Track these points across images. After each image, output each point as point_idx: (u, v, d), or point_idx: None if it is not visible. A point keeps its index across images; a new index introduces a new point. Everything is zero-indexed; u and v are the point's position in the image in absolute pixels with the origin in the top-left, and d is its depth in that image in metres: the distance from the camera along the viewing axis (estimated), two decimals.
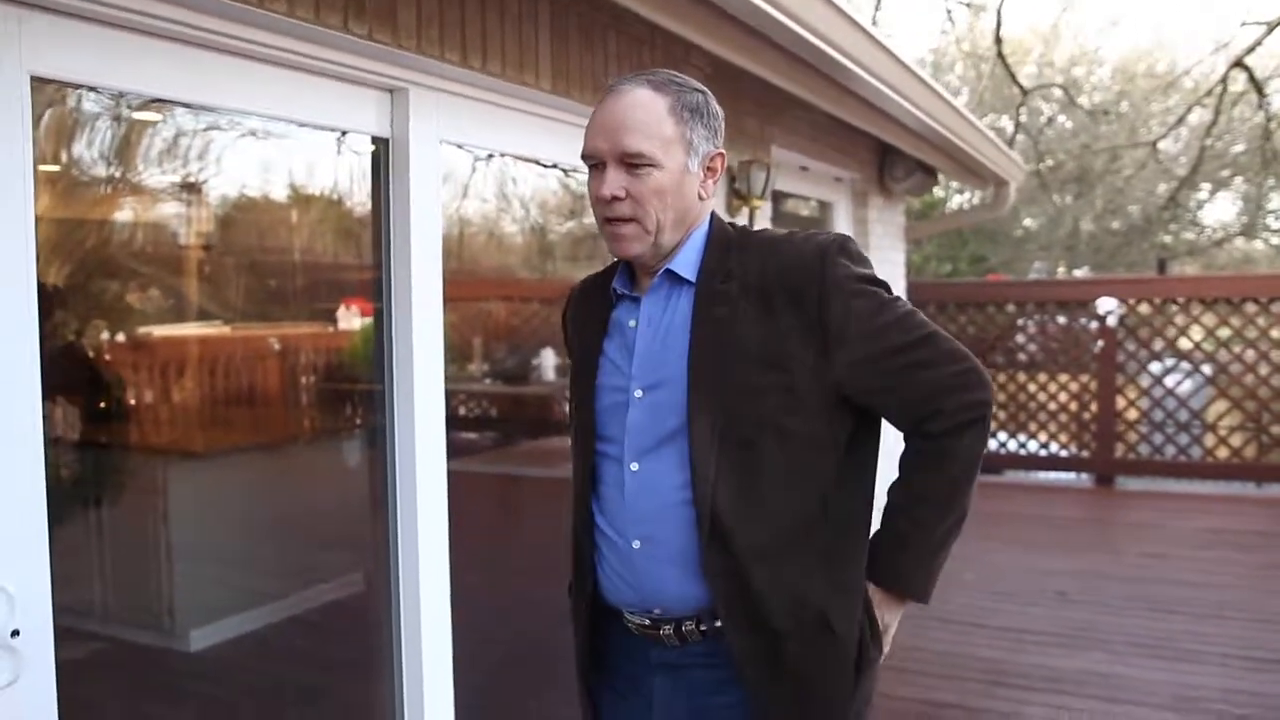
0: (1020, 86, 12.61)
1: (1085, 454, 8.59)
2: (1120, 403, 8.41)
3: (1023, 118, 14.78)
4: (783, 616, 1.63)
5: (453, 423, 3.15)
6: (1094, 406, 8.47)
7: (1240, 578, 5.76)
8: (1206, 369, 8.42)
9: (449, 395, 2.75)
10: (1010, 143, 12.74)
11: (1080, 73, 18.97)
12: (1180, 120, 13.52)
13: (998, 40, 11.32)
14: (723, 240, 1.73)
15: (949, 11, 12.55)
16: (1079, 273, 18.72)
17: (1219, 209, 21.75)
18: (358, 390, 2.72)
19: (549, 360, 3.60)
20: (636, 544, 1.69)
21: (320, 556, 3.32)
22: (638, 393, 1.71)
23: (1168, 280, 10.39)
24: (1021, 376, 8.81)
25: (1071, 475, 8.97)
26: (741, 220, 4.08)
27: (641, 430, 1.69)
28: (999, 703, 4.12)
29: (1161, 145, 14.56)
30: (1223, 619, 4.95)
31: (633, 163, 1.63)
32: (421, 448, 2.61)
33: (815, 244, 1.66)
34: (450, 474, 2.77)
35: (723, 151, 1.73)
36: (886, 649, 1.78)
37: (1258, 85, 11.68)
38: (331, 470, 3.36)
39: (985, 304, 8.85)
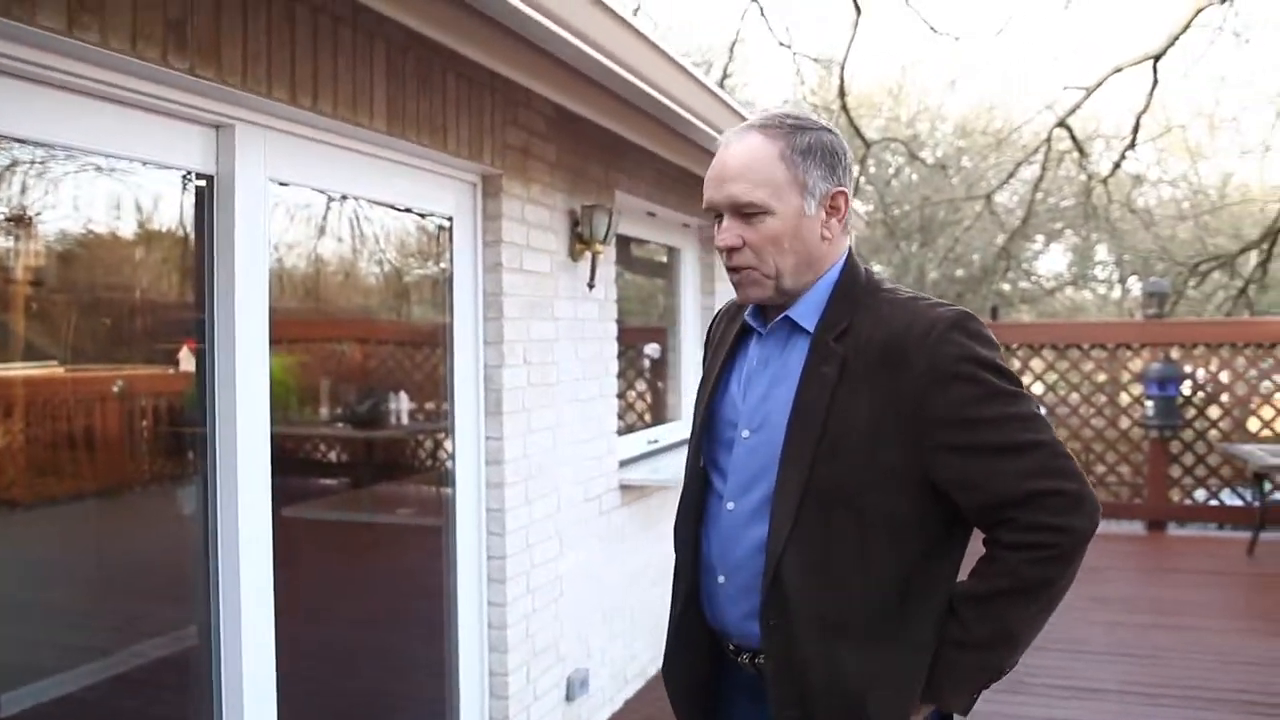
0: (864, 140, 13.12)
1: None
2: None
3: (871, 169, 15.36)
4: (819, 691, 1.61)
5: (297, 467, 3.05)
6: None
7: (1061, 609, 6.00)
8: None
9: (293, 439, 2.67)
10: (855, 192, 13.22)
11: (924, 128, 19.87)
12: (1011, 175, 14.26)
13: (842, 95, 11.77)
14: (849, 292, 1.69)
15: (798, 67, 12.98)
16: None
17: (1052, 260, 23.02)
18: (198, 434, 2.62)
19: (403, 404, 3.55)
20: (721, 579, 1.74)
21: (151, 609, 3.15)
22: (745, 433, 1.72)
23: (1000, 326, 10.87)
24: None
25: None
26: (584, 265, 4.12)
27: (741, 470, 1.71)
28: None
29: (997, 198, 15.31)
30: (1043, 650, 5.16)
31: (746, 211, 1.63)
32: (245, 493, 2.53)
33: (932, 316, 1.60)
34: (291, 521, 2.69)
35: (844, 190, 1.68)
36: None
37: (1079, 145, 12.45)
38: (167, 518, 3.21)
39: None
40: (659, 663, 4.96)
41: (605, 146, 4.30)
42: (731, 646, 1.78)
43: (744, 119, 4.14)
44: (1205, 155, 17.77)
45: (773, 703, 1.66)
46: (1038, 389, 8.63)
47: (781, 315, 1.71)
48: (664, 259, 5.96)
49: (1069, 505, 1.56)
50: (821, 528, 1.60)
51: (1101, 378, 8.63)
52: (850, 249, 1.76)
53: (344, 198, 3.05)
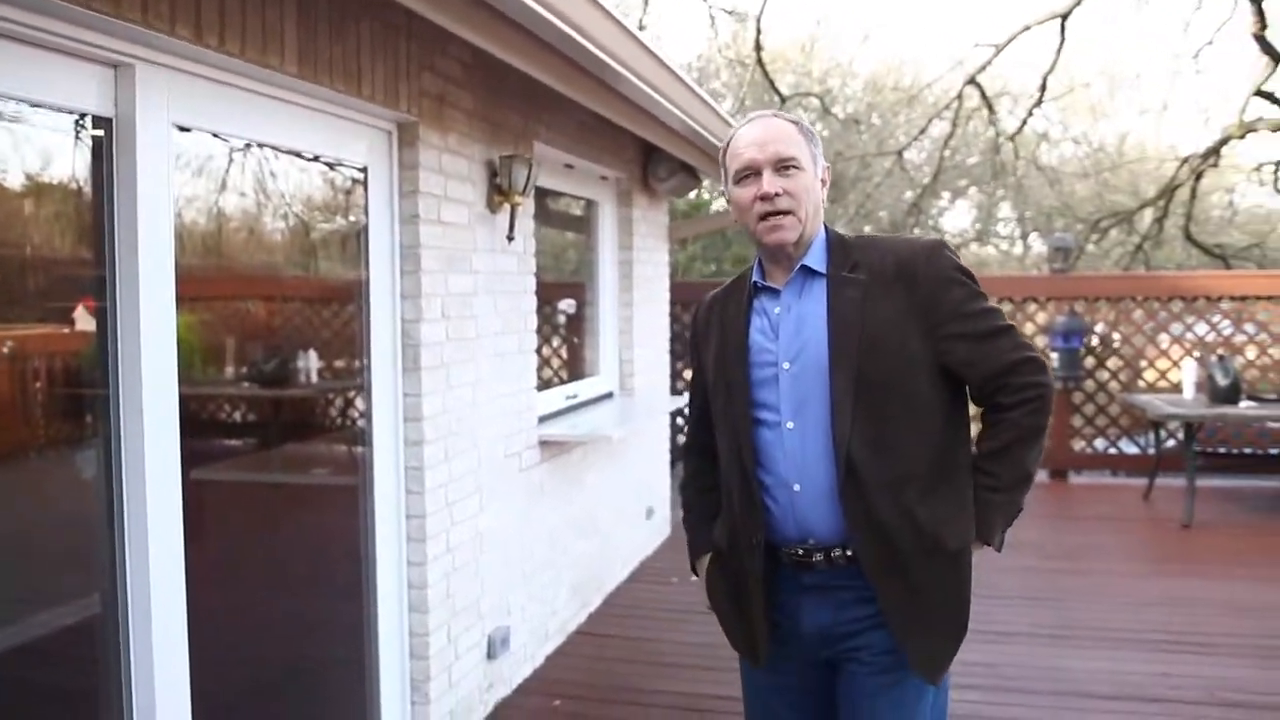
0: (779, 94, 13.11)
1: None
2: None
3: None
4: (903, 538, 2.01)
5: (203, 429, 2.93)
6: None
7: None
8: None
9: (198, 399, 2.55)
10: None
11: (835, 84, 19.95)
12: (922, 132, 14.42)
13: (758, 48, 11.72)
14: (841, 242, 2.13)
15: (712, 19, 12.87)
16: None
17: (957, 216, 23.42)
18: (99, 396, 2.49)
19: (313, 363, 3.44)
20: (796, 487, 2.06)
21: (54, 578, 3.01)
22: (786, 365, 2.09)
23: None
24: None
25: None
26: (503, 217, 4.02)
27: (790, 395, 2.07)
28: None
29: (907, 155, 15.50)
30: None
31: (785, 166, 2.05)
32: (152, 456, 2.41)
33: (925, 243, 2.10)
34: (197, 484, 2.58)
35: (827, 166, 2.15)
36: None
37: (988, 102, 12.63)
38: (68, 482, 3.06)
39: None
40: (581, 618, 4.99)
41: (524, 95, 4.19)
42: (802, 551, 2.08)
43: (669, 68, 4.09)
44: (1106, 114, 18.20)
45: (864, 563, 2.02)
46: None
47: (799, 266, 2.10)
48: (580, 213, 5.87)
49: (1039, 366, 2.07)
50: (874, 414, 2.00)
51: None
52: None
53: (253, 145, 2.91)
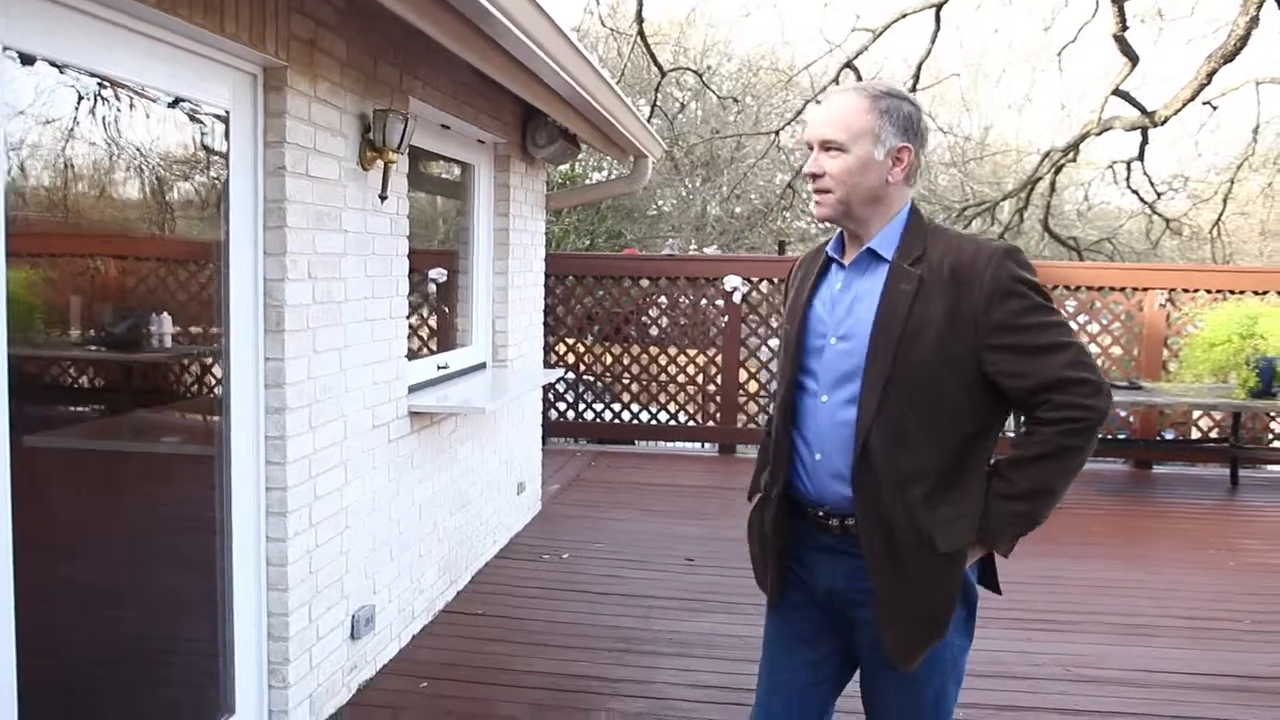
0: (659, 66, 13.03)
1: (710, 424, 9.02)
2: (742, 376, 8.90)
3: (659, 101, 15.30)
4: (901, 530, 2.07)
5: (42, 393, 2.67)
6: (719, 379, 8.91)
7: None
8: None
9: (36, 362, 2.30)
10: (648, 121, 13.14)
11: (712, 62, 19.99)
12: (797, 115, 14.53)
13: (639, 19, 11.59)
14: (918, 229, 2.14)
15: None
16: (709, 250, 19.76)
17: None
18: None
19: (166, 326, 3.18)
20: (818, 456, 2.17)
21: None
22: (832, 340, 2.16)
23: (786, 260, 11.11)
24: (654, 350, 9.10)
25: (698, 445, 9.41)
26: (375, 175, 3.81)
27: (831, 370, 2.15)
28: (631, 670, 4.15)
29: (783, 139, 15.62)
30: None
31: (827, 146, 2.10)
32: None
33: (991, 247, 2.06)
34: (31, 451, 2.33)
35: (908, 145, 2.10)
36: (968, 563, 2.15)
37: None
38: None
39: (622, 277, 9.03)
40: (450, 595, 4.83)
41: (402, 47, 3.97)
42: (822, 513, 2.19)
43: (553, 21, 3.92)
44: (972, 106, 18.73)
45: (864, 543, 2.11)
46: None
47: (864, 248, 2.15)
48: (456, 178, 5.66)
49: (1093, 390, 2.03)
50: (899, 408, 2.05)
51: None
52: (912, 201, 2.19)
53: (102, 83, 2.64)
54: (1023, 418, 2.16)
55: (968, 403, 2.07)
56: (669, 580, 5.30)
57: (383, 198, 3.84)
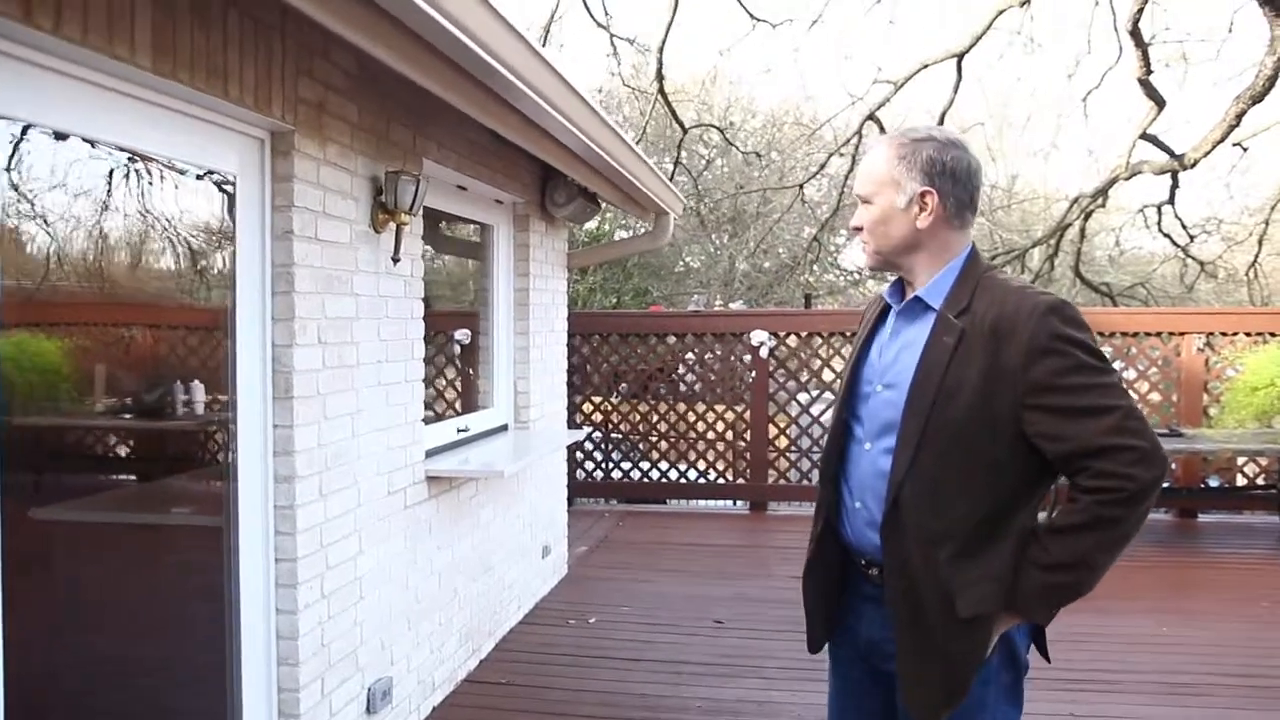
0: (681, 124, 13.03)
1: (741, 481, 8.87)
2: (771, 431, 8.76)
3: (684, 158, 15.35)
4: (924, 588, 2.03)
5: (39, 464, 2.62)
6: (748, 435, 8.78)
7: None
8: None
9: (33, 432, 2.25)
10: (670, 179, 13.16)
11: (736, 119, 20.09)
12: (821, 168, 14.51)
13: (660, 78, 11.64)
14: (971, 277, 2.09)
15: (614, 48, 12.77)
16: (734, 306, 19.70)
17: (855, 253, 23.71)
18: None
19: (198, 394, 3.13)
20: (857, 505, 2.17)
21: None
22: (879, 387, 2.15)
23: (813, 314, 11.02)
24: (681, 407, 9.00)
25: (728, 502, 9.25)
26: (388, 237, 3.77)
27: (875, 418, 2.14)
28: None
29: (808, 193, 15.59)
30: None
31: (862, 200, 2.16)
32: None
33: (1036, 300, 1.98)
34: (41, 524, 2.28)
35: (929, 189, 2.07)
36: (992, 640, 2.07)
37: None
38: None
39: (648, 335, 8.96)
40: (472, 664, 4.71)
41: (415, 109, 3.95)
42: (863, 561, 2.20)
43: (569, 84, 3.89)
44: (998, 154, 18.66)
45: (887, 596, 2.09)
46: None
47: (913, 296, 2.13)
48: (474, 238, 5.63)
49: (1137, 459, 1.91)
50: (932, 463, 2.01)
51: None
52: (973, 244, 2.16)
53: (130, 164, 2.62)
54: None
55: (1007, 463, 2.00)
56: (698, 644, 5.15)
57: (395, 260, 3.80)
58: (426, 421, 4.37)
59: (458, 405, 6.01)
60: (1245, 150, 11.76)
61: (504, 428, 5.59)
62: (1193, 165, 10.44)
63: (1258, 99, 9.11)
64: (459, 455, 4.69)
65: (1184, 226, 13.75)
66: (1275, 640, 5.20)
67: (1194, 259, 14.31)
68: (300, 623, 3.20)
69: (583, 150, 4.70)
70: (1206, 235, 14.84)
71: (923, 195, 2.08)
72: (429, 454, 4.36)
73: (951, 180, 2.08)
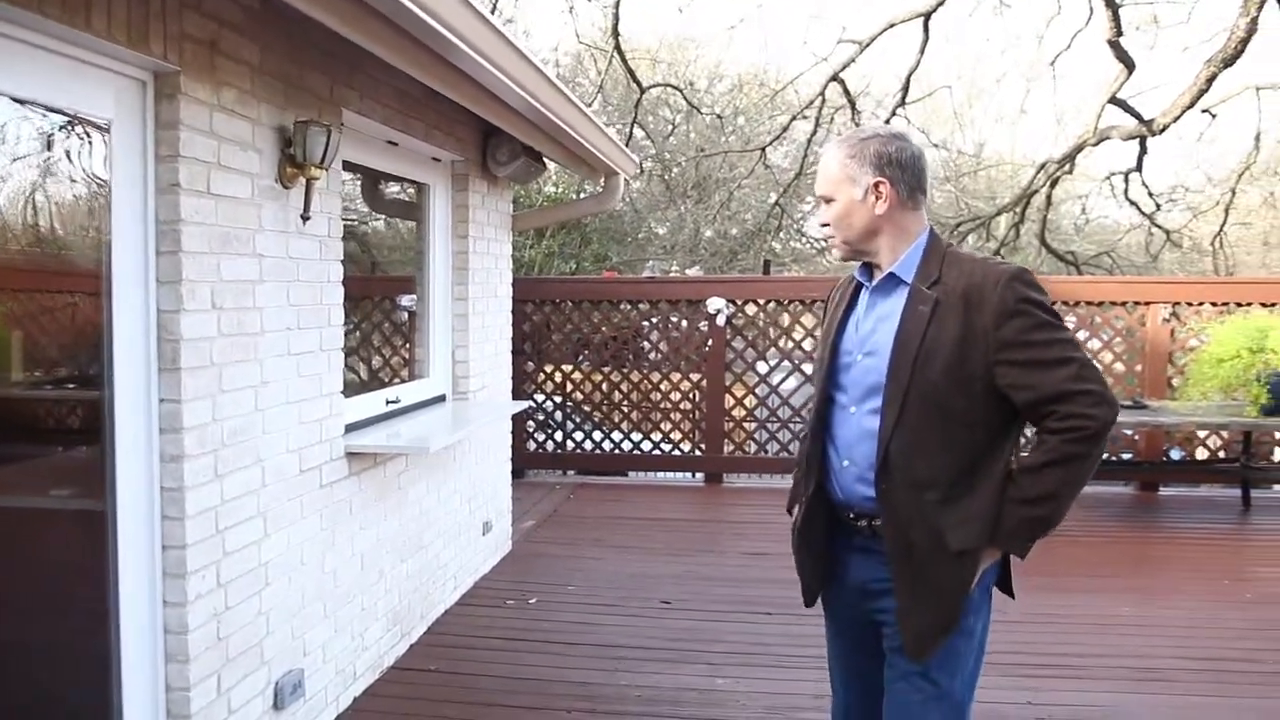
0: (638, 83, 12.65)
1: (697, 453, 8.64)
2: (729, 401, 8.52)
3: (648, 123, 15.01)
4: (917, 530, 2.26)
5: None
6: (703, 406, 8.53)
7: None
8: (807, 368, 8.74)
9: None
10: (628, 142, 12.81)
11: (702, 84, 19.70)
12: (785, 129, 14.19)
13: (615, 35, 11.26)
14: (936, 254, 2.33)
15: (571, 8, 12.35)
16: (691, 272, 19.40)
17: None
18: None
19: (71, 366, 2.84)
20: (846, 463, 2.37)
21: None
22: (859, 356, 2.36)
23: (771, 281, 10.74)
24: (636, 376, 8.74)
25: (685, 474, 9.01)
26: (298, 193, 3.45)
27: (858, 384, 2.35)
28: None
29: (773, 158, 15.30)
30: (813, 619, 4.89)
31: (824, 199, 2.38)
32: None
33: (1001, 270, 2.24)
34: None
35: (881, 179, 2.31)
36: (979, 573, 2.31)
37: (851, 101, 12.48)
38: None
39: (600, 301, 8.66)
40: (400, 650, 4.43)
41: (333, 54, 3.63)
42: (851, 515, 2.40)
43: (510, 42, 3.59)
44: (966, 122, 18.43)
45: (886, 541, 2.31)
46: (809, 345, 8.49)
47: (887, 273, 2.34)
48: (408, 199, 5.31)
49: (1095, 401, 2.18)
50: (916, 418, 2.24)
51: None
52: (930, 226, 2.40)
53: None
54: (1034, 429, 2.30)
55: (981, 414, 2.25)
56: (642, 627, 4.91)
57: (305, 218, 3.49)
58: (351, 393, 4.08)
59: (386, 376, 5.72)
60: (1214, 117, 11.59)
61: (441, 398, 5.30)
62: (1161, 131, 10.25)
63: (1229, 62, 8.90)
64: (388, 428, 4.40)
65: (1151, 194, 13.60)
66: (1239, 622, 5.03)
67: (1160, 228, 14.19)
68: (190, 616, 2.92)
69: (525, 108, 4.41)
70: (1173, 203, 14.72)
71: (876, 185, 2.31)
72: (352, 428, 4.07)
73: (899, 168, 2.31)
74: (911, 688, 2.33)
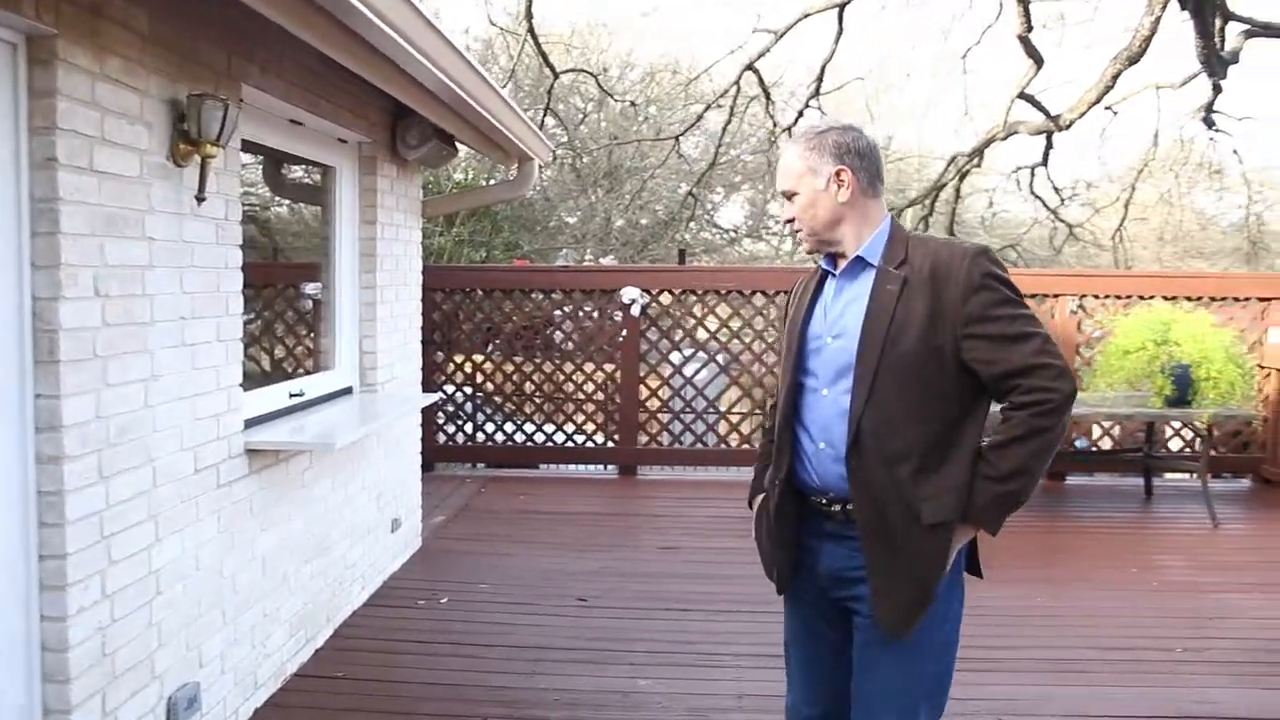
0: (551, 67, 12.43)
1: (610, 444, 8.51)
2: (643, 392, 8.41)
3: (560, 111, 14.75)
4: (891, 505, 2.27)
5: None
6: (617, 397, 8.41)
7: (744, 567, 5.74)
8: (721, 358, 8.67)
9: None
10: (540, 128, 12.59)
11: (615, 71, 19.51)
12: (699, 119, 14.11)
13: (529, 16, 11.03)
14: (900, 238, 2.37)
15: None
16: (605, 261, 19.25)
17: (731, 212, 23.55)
18: None
19: None
20: (821, 445, 2.37)
21: None
22: (829, 339, 2.38)
23: (687, 271, 10.66)
24: (549, 367, 8.58)
25: (599, 466, 8.88)
26: (193, 170, 3.21)
27: (829, 365, 2.37)
28: None
29: (686, 149, 15.19)
30: (733, 615, 4.81)
31: (787, 195, 2.42)
32: None
33: (966, 248, 2.31)
34: None
35: (843, 167, 2.34)
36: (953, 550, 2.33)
37: (766, 91, 12.45)
38: None
39: (512, 290, 8.46)
40: (304, 656, 4.20)
41: (230, 25, 3.40)
42: (825, 500, 2.40)
43: (420, 12, 3.39)
44: (874, 115, 18.59)
45: (858, 520, 2.31)
46: (723, 335, 8.42)
47: (854, 256, 2.38)
48: (313, 182, 5.06)
49: (1057, 374, 2.22)
50: (887, 394, 2.26)
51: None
52: (890, 215, 2.43)
53: None
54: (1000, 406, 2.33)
55: (950, 388, 2.28)
56: (560, 626, 4.75)
57: (200, 199, 3.25)
58: (251, 386, 3.84)
59: (290, 367, 5.46)
60: (1116, 114, 11.85)
61: (348, 390, 5.07)
62: (1069, 126, 10.42)
63: (1134, 60, 9.07)
64: (292, 423, 4.17)
65: (1055, 189, 13.87)
66: (1148, 609, 5.10)
67: (1064, 222, 14.48)
68: (71, 631, 2.68)
69: (440, 89, 4.21)
70: (1076, 197, 15.05)
71: (838, 174, 2.35)
72: (252, 423, 3.84)
73: (859, 156, 2.36)
74: (888, 662, 2.34)
